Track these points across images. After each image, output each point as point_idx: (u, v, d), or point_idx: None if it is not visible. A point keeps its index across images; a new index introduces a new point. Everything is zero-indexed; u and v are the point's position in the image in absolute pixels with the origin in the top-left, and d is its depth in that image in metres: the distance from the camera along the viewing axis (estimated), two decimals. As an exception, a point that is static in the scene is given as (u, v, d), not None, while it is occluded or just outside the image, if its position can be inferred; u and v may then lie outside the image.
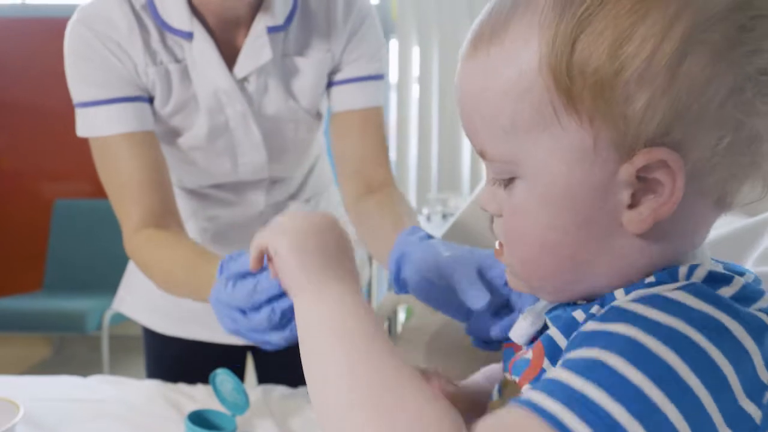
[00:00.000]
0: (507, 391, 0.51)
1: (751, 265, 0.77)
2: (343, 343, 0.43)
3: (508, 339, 0.53)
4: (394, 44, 3.34)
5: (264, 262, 0.59)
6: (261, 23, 0.92)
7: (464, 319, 0.69)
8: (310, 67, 0.98)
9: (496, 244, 0.50)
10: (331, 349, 0.43)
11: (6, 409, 0.80)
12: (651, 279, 0.42)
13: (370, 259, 1.39)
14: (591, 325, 0.39)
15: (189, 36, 0.91)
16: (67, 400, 1.01)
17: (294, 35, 0.97)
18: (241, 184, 1.08)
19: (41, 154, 3.49)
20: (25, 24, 3.47)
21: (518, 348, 0.52)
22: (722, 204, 0.42)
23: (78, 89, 0.91)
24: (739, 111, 0.38)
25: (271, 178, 1.09)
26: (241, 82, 0.96)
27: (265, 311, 0.66)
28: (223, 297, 0.69)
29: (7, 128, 3.52)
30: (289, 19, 0.95)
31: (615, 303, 0.41)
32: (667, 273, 0.41)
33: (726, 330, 0.37)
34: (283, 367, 1.14)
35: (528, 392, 0.38)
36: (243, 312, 0.68)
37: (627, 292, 0.42)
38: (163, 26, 0.91)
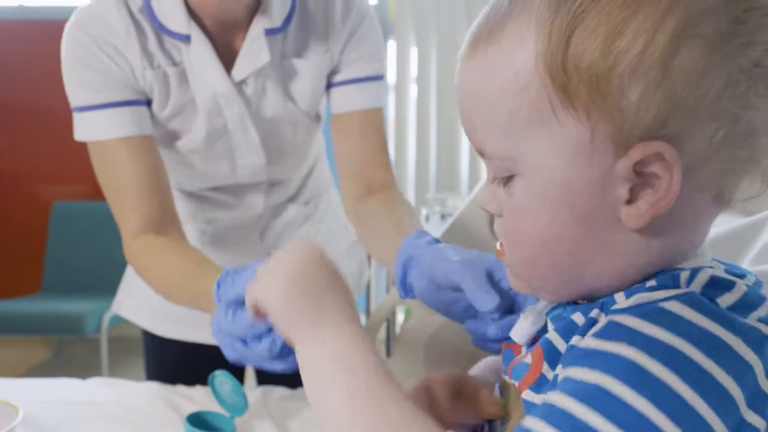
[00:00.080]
0: (507, 393, 0.51)
1: (748, 264, 0.77)
2: (348, 383, 0.44)
3: (507, 339, 0.53)
4: (392, 45, 3.34)
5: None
6: (259, 25, 0.92)
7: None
8: (308, 69, 0.98)
9: (497, 245, 0.49)
10: (335, 389, 0.44)
11: (5, 411, 0.80)
12: (652, 283, 0.42)
13: (369, 259, 1.39)
14: (590, 342, 0.39)
15: (186, 39, 0.90)
16: (67, 403, 1.01)
17: (292, 37, 0.97)
18: (240, 187, 1.08)
19: (39, 156, 3.49)
20: (23, 26, 3.46)
21: (518, 349, 0.52)
22: (721, 200, 0.42)
23: (75, 93, 0.91)
24: (735, 104, 0.38)
25: (269, 181, 1.08)
26: (239, 85, 0.95)
27: (266, 342, 0.66)
28: (224, 326, 0.68)
29: (4, 130, 3.52)
30: (287, 20, 0.94)
31: (615, 307, 0.41)
32: (669, 277, 0.41)
33: (726, 345, 0.36)
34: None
35: (528, 420, 0.37)
36: (244, 342, 0.67)
37: (628, 296, 0.42)
38: (161, 29, 0.90)
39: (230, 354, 0.70)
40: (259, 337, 0.66)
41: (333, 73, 1.01)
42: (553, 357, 0.44)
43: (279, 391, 1.06)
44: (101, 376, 1.14)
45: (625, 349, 0.36)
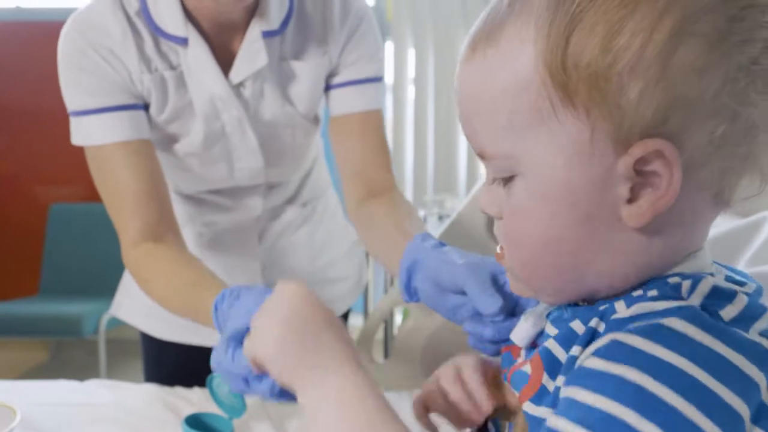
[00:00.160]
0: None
1: (743, 265, 0.78)
2: (352, 423, 0.46)
3: (506, 341, 0.53)
4: (389, 46, 3.34)
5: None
6: (256, 28, 0.92)
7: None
8: (307, 71, 0.98)
9: (497, 248, 0.50)
10: (339, 429, 0.46)
11: (3, 413, 0.80)
12: (653, 292, 0.41)
13: (367, 259, 1.39)
14: (594, 362, 0.38)
15: (184, 42, 0.90)
16: (65, 405, 1.01)
17: (290, 39, 0.96)
18: (238, 190, 1.08)
19: (37, 158, 3.48)
20: (20, 27, 3.46)
21: (516, 351, 0.52)
22: (721, 199, 0.42)
23: (72, 98, 0.91)
24: (734, 101, 0.38)
25: (268, 183, 1.08)
26: (237, 88, 0.95)
27: (267, 382, 0.65)
28: (225, 365, 0.68)
29: (2, 132, 3.52)
30: (285, 23, 0.94)
31: (615, 317, 0.41)
32: (670, 288, 0.41)
33: (730, 364, 0.36)
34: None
35: None
36: (246, 380, 0.67)
37: (628, 305, 0.42)
38: (157, 32, 0.90)
39: (233, 387, 0.70)
40: (260, 377, 0.65)
41: (332, 75, 1.00)
42: (552, 367, 0.44)
43: (277, 393, 1.06)
44: (99, 377, 1.15)
45: (630, 372, 0.36)
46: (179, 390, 1.08)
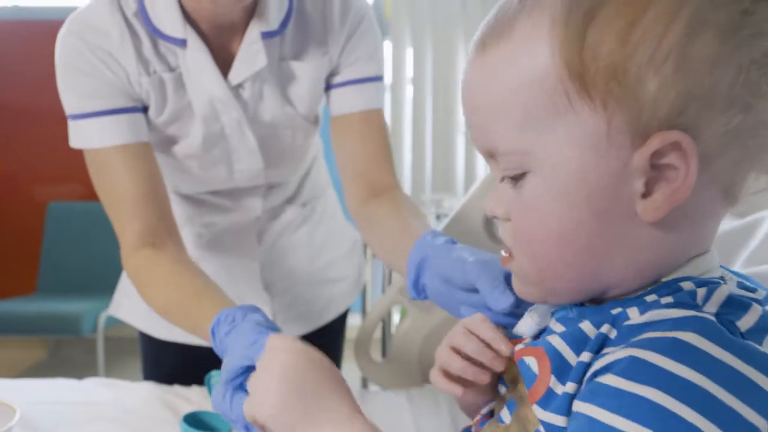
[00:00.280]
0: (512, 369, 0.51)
1: (739, 266, 0.78)
2: None
3: (510, 335, 0.53)
4: (387, 45, 3.34)
5: None
6: (255, 29, 0.91)
7: None
8: (307, 72, 0.97)
9: (502, 251, 0.49)
10: None
11: (2, 412, 0.80)
12: (668, 299, 0.41)
13: (365, 257, 1.39)
14: (612, 380, 0.38)
15: (182, 43, 0.89)
16: (64, 403, 1.01)
17: (290, 40, 0.96)
18: (238, 191, 1.07)
19: (35, 157, 3.48)
20: (18, 26, 3.46)
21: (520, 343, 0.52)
22: (730, 194, 0.43)
23: (70, 101, 0.90)
24: (747, 92, 0.38)
25: (267, 184, 1.08)
26: (236, 89, 0.94)
27: None
28: (223, 409, 0.67)
29: (0, 130, 3.52)
30: (285, 23, 0.93)
31: (628, 323, 0.41)
32: (684, 294, 0.41)
33: (749, 381, 0.36)
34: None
35: None
36: (246, 428, 0.66)
37: (642, 311, 0.41)
38: (156, 33, 0.89)
39: (234, 427, 0.70)
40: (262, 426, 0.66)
41: (332, 74, 1.00)
42: (561, 370, 0.43)
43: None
44: (97, 376, 1.15)
45: (648, 392, 0.36)
46: (178, 389, 1.08)
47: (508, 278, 0.64)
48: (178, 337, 1.14)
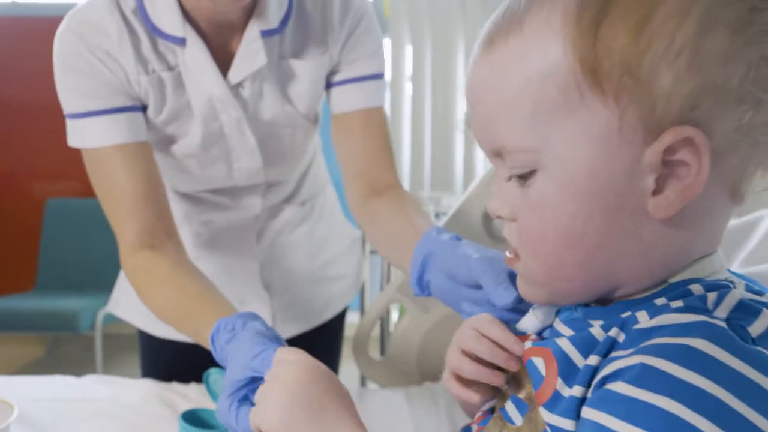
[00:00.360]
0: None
1: (738, 266, 0.78)
2: None
3: (514, 331, 0.53)
4: (386, 43, 3.33)
5: None
6: (255, 27, 0.90)
7: None
8: (307, 70, 0.97)
9: (507, 252, 0.49)
10: None
11: (0, 409, 0.80)
12: (678, 303, 0.41)
13: (364, 254, 1.39)
14: (623, 387, 0.38)
15: (182, 42, 0.89)
16: (62, 400, 1.01)
17: (290, 38, 0.95)
18: (237, 189, 1.07)
19: (33, 153, 3.47)
20: (16, 22, 3.45)
21: (524, 339, 0.52)
22: (737, 194, 0.43)
23: (68, 100, 0.89)
24: (757, 88, 0.39)
25: (267, 183, 1.08)
26: (236, 88, 0.94)
27: None
28: (229, 421, 0.67)
29: (-2, 127, 3.52)
30: (284, 21, 0.93)
31: (637, 327, 0.41)
32: (694, 298, 0.41)
33: (760, 389, 0.36)
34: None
35: None
36: None
37: (651, 315, 0.41)
38: (154, 32, 0.89)
39: None
40: None
41: (332, 72, 1.00)
42: (568, 372, 0.43)
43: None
44: (95, 373, 1.15)
45: (659, 400, 0.36)
46: (176, 386, 1.08)
47: (512, 275, 0.63)
48: (176, 335, 1.13)
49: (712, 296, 0.41)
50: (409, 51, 3.35)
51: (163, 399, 1.03)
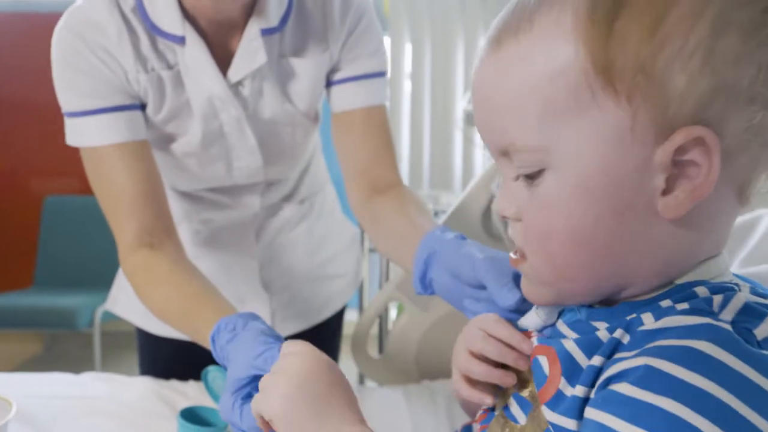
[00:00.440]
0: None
1: (737, 265, 0.78)
2: None
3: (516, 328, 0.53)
4: (386, 41, 3.33)
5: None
6: (255, 25, 0.90)
7: None
8: (307, 69, 0.96)
9: (512, 253, 0.49)
10: None
11: (-1, 406, 0.80)
12: (684, 306, 0.41)
13: (363, 253, 1.39)
14: (627, 389, 0.38)
15: (181, 40, 0.88)
16: (60, 397, 1.01)
17: (290, 36, 0.95)
18: (236, 188, 1.07)
19: (32, 151, 3.47)
20: (16, 19, 3.44)
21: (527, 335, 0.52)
22: (743, 195, 0.43)
23: (67, 99, 0.89)
24: (767, 89, 0.39)
25: (266, 181, 1.07)
26: (236, 87, 0.94)
27: None
28: (232, 419, 0.67)
29: (-3, 124, 3.51)
30: (284, 20, 0.93)
31: (642, 329, 0.41)
32: (700, 301, 0.41)
33: (763, 391, 0.36)
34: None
35: None
36: None
37: (656, 317, 0.41)
38: (154, 30, 0.88)
39: None
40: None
41: (333, 71, 0.99)
42: (571, 372, 0.43)
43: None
44: (94, 370, 1.15)
45: (663, 401, 0.36)
46: (174, 383, 1.08)
47: (516, 276, 0.63)
48: (174, 333, 1.13)
49: (717, 299, 0.41)
50: (408, 49, 3.35)
51: (162, 396, 1.03)
